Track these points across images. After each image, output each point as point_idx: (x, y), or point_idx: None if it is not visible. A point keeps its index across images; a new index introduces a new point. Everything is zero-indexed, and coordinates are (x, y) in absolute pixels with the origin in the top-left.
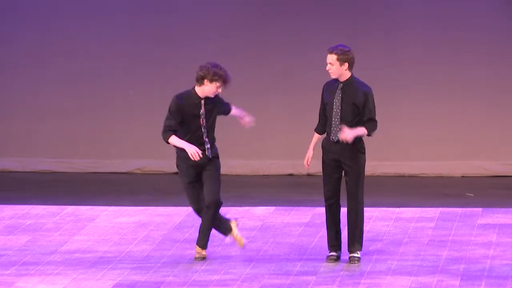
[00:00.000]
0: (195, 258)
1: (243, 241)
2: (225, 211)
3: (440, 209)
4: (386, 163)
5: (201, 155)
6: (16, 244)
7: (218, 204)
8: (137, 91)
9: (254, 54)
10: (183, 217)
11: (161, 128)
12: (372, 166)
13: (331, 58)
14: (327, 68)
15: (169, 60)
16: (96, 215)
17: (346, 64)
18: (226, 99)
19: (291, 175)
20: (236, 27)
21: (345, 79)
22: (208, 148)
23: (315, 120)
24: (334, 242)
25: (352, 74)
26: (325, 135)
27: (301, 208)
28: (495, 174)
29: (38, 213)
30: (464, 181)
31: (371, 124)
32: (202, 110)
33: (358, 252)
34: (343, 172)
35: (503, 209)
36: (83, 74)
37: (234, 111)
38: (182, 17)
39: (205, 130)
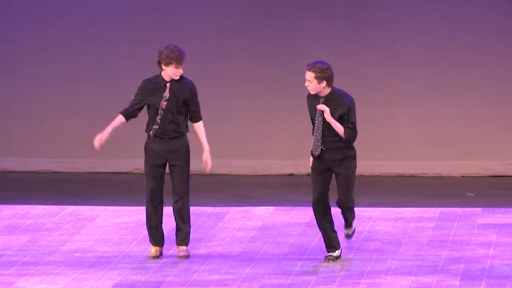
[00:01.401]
0: (180, 257)
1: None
2: (225, 211)
3: (440, 209)
4: (386, 163)
5: (99, 144)
6: (16, 244)
7: (186, 197)
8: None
9: (253, 54)
10: None
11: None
12: (372, 166)
13: (309, 75)
14: (305, 85)
15: None
16: (96, 215)
17: (324, 82)
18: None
19: (291, 175)
20: (236, 28)
21: (325, 94)
22: (155, 128)
23: None
24: (329, 243)
25: (332, 87)
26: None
27: (301, 208)
28: (495, 174)
29: (38, 213)
30: (464, 181)
31: (350, 130)
32: (166, 93)
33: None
34: (335, 177)
35: (503, 209)
36: (83, 74)
37: (203, 135)
38: (182, 17)
39: (162, 112)
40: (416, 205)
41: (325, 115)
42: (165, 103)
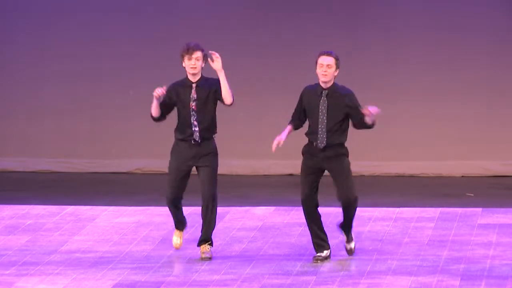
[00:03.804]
0: (202, 259)
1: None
2: (225, 211)
3: (440, 209)
4: (386, 163)
5: (163, 92)
6: (16, 244)
7: (215, 199)
8: (137, 91)
9: (254, 54)
10: None
11: (161, 128)
12: (372, 166)
13: (331, 60)
14: (323, 71)
15: (169, 60)
16: (96, 215)
17: (337, 71)
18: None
19: (291, 175)
20: (236, 27)
21: (329, 85)
22: (196, 131)
23: None
24: (317, 242)
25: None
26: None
27: (301, 208)
28: (495, 174)
29: (38, 213)
30: (464, 181)
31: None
32: (193, 94)
33: (352, 242)
34: (331, 176)
35: (503, 209)
36: (83, 74)
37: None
38: (182, 17)
39: (194, 114)
40: (416, 205)
41: (372, 113)
42: (193, 103)
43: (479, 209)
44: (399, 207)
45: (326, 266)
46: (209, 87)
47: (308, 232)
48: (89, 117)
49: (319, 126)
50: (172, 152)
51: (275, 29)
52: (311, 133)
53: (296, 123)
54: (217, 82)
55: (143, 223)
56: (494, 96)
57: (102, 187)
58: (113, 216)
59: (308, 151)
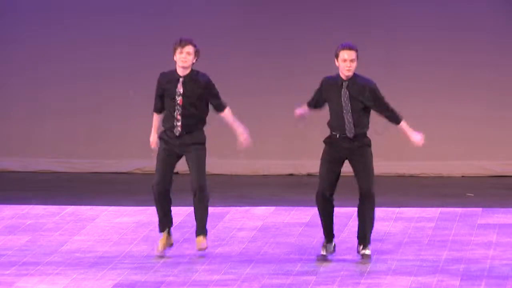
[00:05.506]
0: (198, 250)
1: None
2: (225, 211)
3: (440, 209)
4: (386, 163)
5: (155, 145)
6: (16, 244)
7: (203, 189)
8: (137, 91)
9: (254, 54)
10: (183, 217)
11: (161, 129)
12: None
13: (354, 54)
14: (347, 66)
15: (169, 60)
16: (96, 215)
17: (357, 62)
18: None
19: (291, 175)
20: (236, 27)
21: (350, 77)
22: (177, 125)
23: (315, 120)
24: (330, 234)
25: None
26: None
27: (301, 208)
28: (495, 174)
29: (38, 213)
30: (464, 181)
31: (395, 113)
32: (179, 89)
33: (369, 249)
34: (352, 168)
35: (503, 209)
36: (83, 74)
37: (232, 120)
38: (182, 17)
39: (179, 108)
40: (416, 205)
41: (419, 140)
42: (179, 98)
43: (479, 209)
44: (399, 207)
45: (326, 266)
46: (196, 85)
47: (308, 233)
48: (89, 117)
49: (345, 117)
50: (160, 139)
51: (275, 29)
52: (334, 125)
53: (311, 108)
54: (205, 83)
55: (143, 223)
56: (494, 96)
57: (102, 187)
58: (113, 216)
59: (333, 142)
